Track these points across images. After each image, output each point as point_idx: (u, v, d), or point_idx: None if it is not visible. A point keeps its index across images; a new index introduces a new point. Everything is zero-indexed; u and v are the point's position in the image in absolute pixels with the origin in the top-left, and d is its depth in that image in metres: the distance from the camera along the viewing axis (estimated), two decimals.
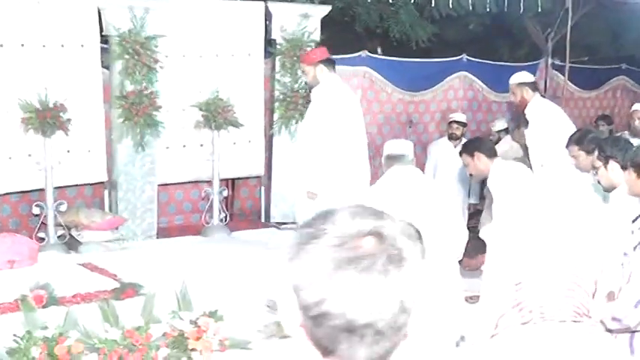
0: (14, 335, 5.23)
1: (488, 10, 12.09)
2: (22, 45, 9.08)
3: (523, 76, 8.96)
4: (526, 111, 8.86)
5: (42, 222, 9.21)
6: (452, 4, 11.90)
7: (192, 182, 10.70)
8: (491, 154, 7.38)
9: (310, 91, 7.31)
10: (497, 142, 10.04)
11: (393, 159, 6.08)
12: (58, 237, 9.27)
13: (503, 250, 2.43)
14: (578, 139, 7.45)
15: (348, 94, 7.74)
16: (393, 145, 6.26)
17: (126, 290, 7.26)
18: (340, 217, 1.59)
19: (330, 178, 6.90)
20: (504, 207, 6.71)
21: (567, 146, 7.45)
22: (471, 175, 7.61)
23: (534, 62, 14.35)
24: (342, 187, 7.02)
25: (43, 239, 9.14)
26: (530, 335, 2.27)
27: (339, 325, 1.50)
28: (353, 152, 7.20)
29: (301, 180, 7.03)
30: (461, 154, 7.60)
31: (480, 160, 7.26)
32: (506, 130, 10.66)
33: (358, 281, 1.49)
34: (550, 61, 14.52)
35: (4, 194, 9.31)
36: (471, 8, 12.12)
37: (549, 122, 8.58)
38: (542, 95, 9.36)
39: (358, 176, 7.22)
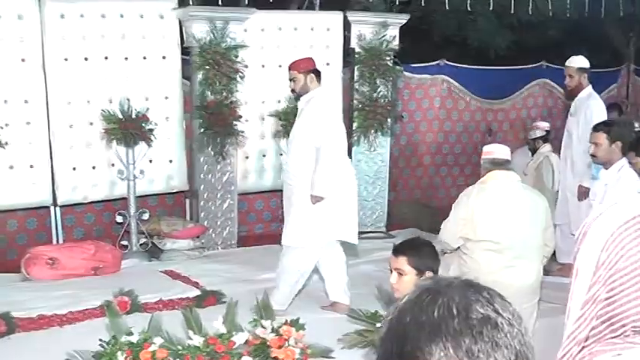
0: (100, 340, 5.32)
1: (568, 15, 11.94)
2: (106, 58, 9.26)
3: (583, 62, 8.73)
4: (577, 98, 8.66)
5: (125, 230, 9.37)
6: (531, 10, 11.77)
7: (271, 191, 10.76)
8: (630, 150, 7.18)
9: (298, 99, 7.32)
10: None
11: (497, 164, 6.04)
12: (141, 245, 9.42)
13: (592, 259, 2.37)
14: (633, 146, 7.26)
15: (334, 103, 7.85)
16: (498, 149, 6.22)
17: (207, 298, 7.34)
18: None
19: (332, 182, 6.94)
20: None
21: (625, 154, 7.25)
22: (593, 155, 7.35)
23: (616, 68, 14.13)
24: (340, 191, 7.07)
25: (125, 247, 9.30)
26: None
27: None
28: (344, 157, 7.28)
29: (300, 186, 6.96)
30: (598, 129, 7.26)
31: (614, 150, 7.06)
32: (542, 138, 10.25)
33: None
34: (632, 66, 14.26)
35: (89, 203, 9.47)
36: (550, 14, 11.98)
37: (597, 118, 8.37)
38: None
39: (348, 180, 7.30)
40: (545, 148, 9.56)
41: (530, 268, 5.83)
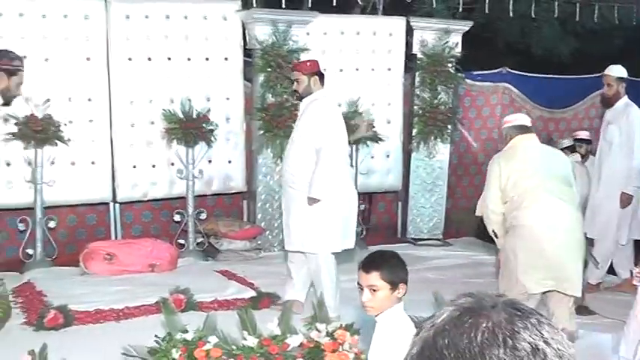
0: (155, 336, 5.36)
1: (634, 23, 11.78)
2: (169, 58, 9.36)
3: (622, 71, 8.55)
4: (614, 107, 8.52)
5: (182, 229, 9.44)
6: (597, 17, 11.64)
7: None
8: None
9: (300, 100, 7.22)
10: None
11: (520, 128, 6.55)
12: (197, 244, 9.49)
13: None
14: None
15: (337, 106, 7.76)
16: (519, 116, 6.84)
17: (263, 299, 7.36)
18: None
19: (334, 184, 6.87)
20: None
21: None
22: None
23: None
24: (342, 194, 7.01)
25: (182, 245, 9.38)
26: None
27: None
28: (345, 161, 7.21)
29: (302, 190, 6.87)
30: None
31: None
32: (569, 148, 10.05)
33: None
34: None
35: (147, 201, 9.56)
36: (617, 22, 11.82)
37: (638, 124, 8.27)
38: None
39: (349, 183, 7.24)
40: (572, 158, 9.45)
41: (570, 210, 6.32)
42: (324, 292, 6.89)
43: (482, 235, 10.62)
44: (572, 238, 6.30)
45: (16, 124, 8.54)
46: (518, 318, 1.29)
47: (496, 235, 6.47)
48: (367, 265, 4.00)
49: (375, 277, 3.93)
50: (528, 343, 1.26)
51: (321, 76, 7.17)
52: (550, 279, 6.28)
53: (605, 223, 8.37)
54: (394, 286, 3.89)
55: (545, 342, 1.27)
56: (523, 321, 1.29)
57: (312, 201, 6.80)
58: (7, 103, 5.76)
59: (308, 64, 7.23)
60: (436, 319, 1.33)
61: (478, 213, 6.63)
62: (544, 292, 6.40)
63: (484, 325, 1.28)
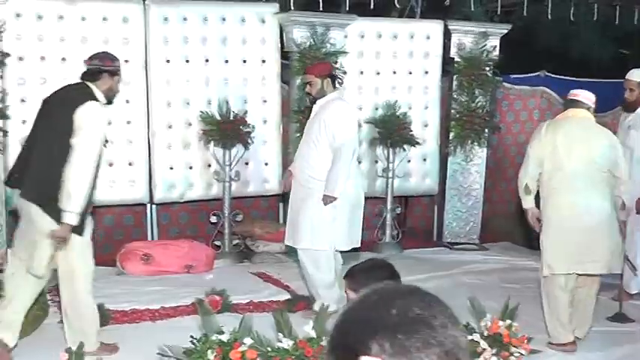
0: (191, 337, 5.38)
1: None
2: (207, 60, 9.40)
3: None
4: (636, 112, 8.36)
5: (218, 230, 9.48)
6: (637, 20, 11.53)
7: (366, 198, 10.72)
8: None
9: (314, 103, 7.21)
10: None
11: (575, 102, 6.76)
12: (233, 246, 9.52)
13: None
14: None
15: (352, 107, 7.79)
16: (583, 93, 6.89)
17: (298, 302, 7.36)
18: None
19: (350, 183, 6.92)
20: None
21: None
22: None
23: None
24: (353, 192, 7.08)
25: (218, 247, 9.41)
26: None
27: None
28: (356, 159, 7.27)
29: (320, 188, 6.91)
30: None
31: None
32: None
33: None
34: None
35: (184, 202, 9.60)
36: None
37: None
38: None
39: (359, 182, 7.29)
40: None
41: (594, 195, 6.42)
42: (313, 287, 7.06)
43: (518, 239, 10.60)
44: (592, 222, 6.40)
45: None
46: (414, 297, 1.58)
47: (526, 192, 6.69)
48: (350, 274, 4.36)
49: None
50: (417, 314, 1.53)
51: (334, 78, 7.23)
52: (575, 262, 6.43)
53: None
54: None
55: (433, 315, 1.54)
56: (416, 299, 1.58)
57: (329, 199, 6.87)
58: (109, 102, 5.98)
59: (319, 67, 7.31)
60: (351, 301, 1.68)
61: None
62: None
63: (383, 302, 1.58)
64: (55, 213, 5.51)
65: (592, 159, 6.45)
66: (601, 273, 6.57)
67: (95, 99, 5.72)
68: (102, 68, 5.94)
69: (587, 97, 6.79)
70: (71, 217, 5.52)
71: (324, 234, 6.96)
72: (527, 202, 6.69)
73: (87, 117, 5.56)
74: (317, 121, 7.02)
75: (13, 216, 6.52)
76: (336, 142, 6.83)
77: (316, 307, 6.70)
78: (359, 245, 7.40)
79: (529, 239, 9.87)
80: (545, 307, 6.57)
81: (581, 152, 6.43)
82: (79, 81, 5.95)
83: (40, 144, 5.71)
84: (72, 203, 5.48)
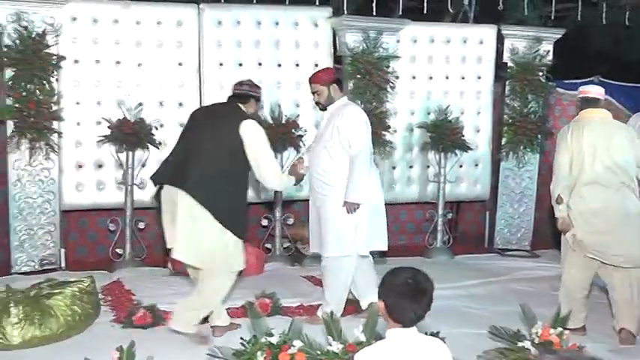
0: (241, 338, 5.41)
1: None
2: (260, 64, 9.46)
3: None
4: None
5: (269, 233, 9.51)
6: None
7: (417, 203, 10.73)
8: None
9: (324, 110, 7.09)
10: None
11: (590, 101, 6.81)
12: (284, 249, 9.56)
13: None
14: None
15: (363, 111, 7.70)
16: (593, 89, 6.94)
17: (348, 306, 7.34)
18: None
19: (368, 188, 6.86)
20: None
21: None
22: None
23: None
24: (375, 195, 7.02)
25: (269, 250, 9.46)
26: None
27: None
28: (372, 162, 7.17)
29: (337, 195, 6.85)
30: None
31: None
32: None
33: None
34: None
35: None
36: None
37: None
38: None
39: (378, 185, 7.21)
40: None
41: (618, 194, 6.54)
42: (332, 293, 7.03)
43: None
44: (616, 220, 6.52)
45: (109, 127, 8.73)
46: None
47: (558, 202, 6.69)
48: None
49: None
50: None
51: (340, 83, 7.16)
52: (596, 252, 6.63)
53: None
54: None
55: None
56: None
57: (352, 206, 6.80)
58: None
59: (324, 74, 7.12)
60: None
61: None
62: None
63: None
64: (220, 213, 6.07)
65: (616, 159, 6.52)
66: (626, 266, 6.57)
67: (250, 118, 6.29)
68: (250, 93, 6.58)
69: (600, 92, 6.91)
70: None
71: (349, 241, 6.88)
72: (561, 211, 6.65)
73: (253, 131, 6.19)
74: (330, 128, 6.89)
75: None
76: (352, 149, 6.74)
77: (319, 312, 6.88)
78: (386, 248, 7.24)
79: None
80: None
81: (605, 153, 6.51)
82: (229, 102, 6.55)
83: (207, 152, 6.16)
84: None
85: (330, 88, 6.95)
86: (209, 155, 6.15)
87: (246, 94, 6.53)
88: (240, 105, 6.45)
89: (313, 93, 7.10)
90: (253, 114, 6.53)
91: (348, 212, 6.79)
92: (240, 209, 6.31)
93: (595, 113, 6.72)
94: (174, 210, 6.09)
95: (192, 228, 6.07)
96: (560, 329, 5.92)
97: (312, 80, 7.07)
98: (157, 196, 6.38)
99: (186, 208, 6.04)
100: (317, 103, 7.16)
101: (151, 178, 6.60)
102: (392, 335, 3.51)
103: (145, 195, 9.00)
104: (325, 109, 7.06)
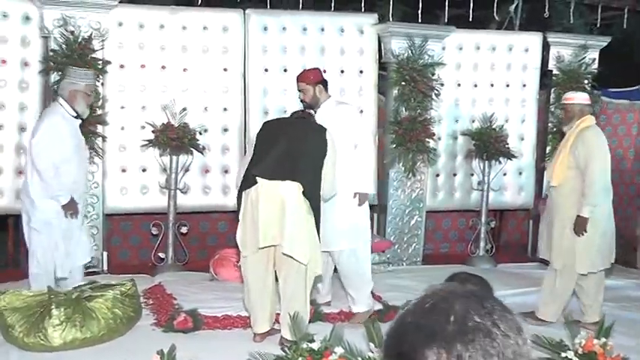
0: (282, 344, 5.41)
1: None
2: (285, 70, 9.43)
3: None
4: None
5: None
6: None
7: (460, 211, 10.67)
8: None
9: (310, 109, 7.16)
10: None
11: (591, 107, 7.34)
12: None
13: None
14: None
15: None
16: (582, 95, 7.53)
17: (389, 312, 7.32)
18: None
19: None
20: None
21: None
22: None
23: None
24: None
25: None
26: None
27: None
28: None
29: (347, 186, 7.00)
30: None
31: None
32: None
33: None
34: None
35: None
36: None
37: None
38: None
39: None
40: None
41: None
42: (358, 286, 7.36)
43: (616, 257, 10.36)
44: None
45: (153, 131, 8.76)
46: (473, 302, 1.53)
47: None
48: None
49: None
50: (476, 322, 1.49)
51: (326, 84, 7.27)
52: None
53: None
54: None
55: (493, 323, 1.50)
56: (476, 305, 1.52)
57: (364, 196, 7.14)
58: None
59: (311, 74, 7.31)
60: (408, 304, 1.59)
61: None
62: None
63: (440, 307, 1.53)
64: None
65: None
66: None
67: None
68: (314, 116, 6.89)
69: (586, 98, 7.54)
70: None
71: (362, 231, 7.38)
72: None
73: (332, 142, 6.43)
74: (329, 126, 7.01)
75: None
76: (357, 140, 7.10)
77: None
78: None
79: (626, 256, 9.70)
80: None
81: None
82: (304, 117, 6.75)
83: (305, 152, 6.37)
84: None
85: (315, 88, 7.17)
86: (307, 154, 6.33)
87: (312, 116, 6.88)
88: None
89: (300, 91, 7.31)
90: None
91: (360, 204, 7.11)
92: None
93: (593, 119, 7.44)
94: (282, 206, 6.17)
95: (302, 224, 6.21)
96: (604, 340, 5.85)
97: (299, 79, 7.30)
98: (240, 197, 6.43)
99: (298, 204, 6.21)
100: (302, 101, 7.35)
101: (253, 174, 6.39)
102: None
103: (188, 199, 9.05)
104: (311, 108, 7.18)
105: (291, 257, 6.18)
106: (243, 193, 6.33)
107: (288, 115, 9.18)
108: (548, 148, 10.40)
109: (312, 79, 7.21)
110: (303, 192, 6.22)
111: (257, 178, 6.25)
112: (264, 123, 6.81)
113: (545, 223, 7.81)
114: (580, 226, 7.15)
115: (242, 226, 6.37)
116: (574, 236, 7.13)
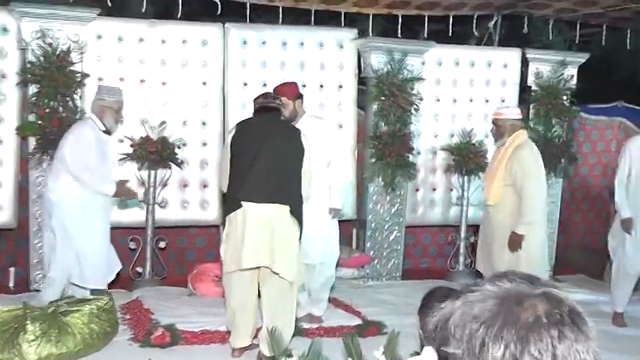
0: (260, 359, 5.38)
1: None
2: (264, 85, 9.40)
3: None
4: None
5: None
6: None
7: (439, 226, 10.67)
8: None
9: (289, 123, 7.16)
10: None
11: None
12: None
13: None
14: None
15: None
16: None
17: (369, 328, 7.30)
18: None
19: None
20: None
21: None
22: None
23: None
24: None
25: None
26: None
27: None
28: None
29: (321, 201, 7.17)
30: None
31: None
32: None
33: None
34: None
35: None
36: None
37: None
38: None
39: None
40: None
41: None
42: (323, 296, 7.64)
43: (594, 272, 10.39)
44: None
45: (131, 145, 8.71)
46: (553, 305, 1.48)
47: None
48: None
49: None
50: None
51: (302, 97, 7.34)
52: None
53: None
54: None
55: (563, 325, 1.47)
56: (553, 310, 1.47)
57: (336, 212, 7.37)
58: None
59: (290, 88, 7.33)
60: (473, 298, 1.51)
61: None
62: None
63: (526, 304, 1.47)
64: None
65: None
66: None
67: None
68: (280, 107, 6.83)
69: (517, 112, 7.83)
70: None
71: (336, 243, 7.59)
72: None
73: (306, 140, 6.47)
74: (315, 136, 7.04)
75: None
76: (331, 156, 7.29)
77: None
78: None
79: (604, 271, 9.73)
80: None
81: None
82: (274, 115, 6.68)
83: (284, 166, 6.36)
84: None
85: (295, 103, 7.16)
86: (289, 169, 6.36)
87: (278, 107, 6.76)
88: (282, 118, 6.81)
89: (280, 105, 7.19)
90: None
91: (333, 218, 7.37)
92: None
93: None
94: (271, 228, 6.17)
95: (291, 243, 6.28)
96: None
97: (279, 93, 7.17)
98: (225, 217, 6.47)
99: (287, 226, 6.25)
100: (288, 117, 7.27)
101: (237, 197, 6.34)
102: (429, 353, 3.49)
103: (166, 214, 9.00)
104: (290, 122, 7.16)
105: (278, 275, 6.16)
106: (227, 218, 6.35)
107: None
108: None
109: (292, 93, 7.22)
110: (291, 211, 6.24)
111: (242, 202, 6.23)
112: (237, 125, 6.73)
113: (482, 240, 7.79)
114: (514, 243, 7.17)
115: (226, 245, 6.32)
116: (516, 253, 7.15)
